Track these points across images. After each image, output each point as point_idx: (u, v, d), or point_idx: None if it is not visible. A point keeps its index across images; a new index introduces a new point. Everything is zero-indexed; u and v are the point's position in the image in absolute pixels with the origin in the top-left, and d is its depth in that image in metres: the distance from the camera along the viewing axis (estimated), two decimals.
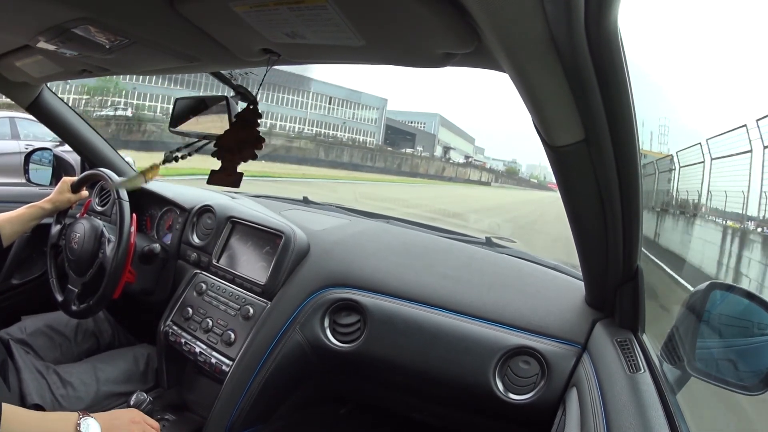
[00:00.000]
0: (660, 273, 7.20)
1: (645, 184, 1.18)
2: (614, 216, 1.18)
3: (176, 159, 1.55)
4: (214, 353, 1.94)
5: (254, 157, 1.33)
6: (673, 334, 1.33)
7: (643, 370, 1.20)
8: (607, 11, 0.73)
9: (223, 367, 1.89)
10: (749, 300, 1.20)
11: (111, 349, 2.23)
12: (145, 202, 2.53)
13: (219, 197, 2.46)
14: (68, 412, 1.43)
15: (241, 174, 1.36)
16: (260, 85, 1.37)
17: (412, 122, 71.20)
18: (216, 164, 1.36)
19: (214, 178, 1.38)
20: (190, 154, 1.53)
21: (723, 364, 1.22)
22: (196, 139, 1.58)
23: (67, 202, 2.14)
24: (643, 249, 1.33)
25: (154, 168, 1.64)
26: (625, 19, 0.77)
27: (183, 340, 2.03)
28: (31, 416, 1.36)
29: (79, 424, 1.39)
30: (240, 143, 1.33)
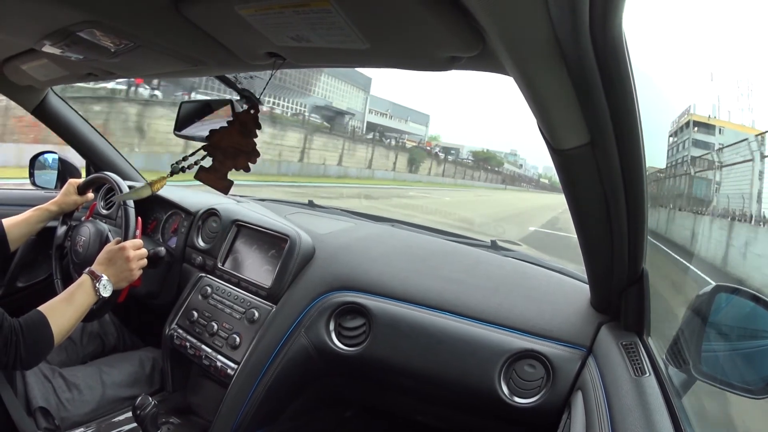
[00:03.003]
0: None
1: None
2: (619, 219, 1.18)
3: (183, 170, 1.57)
4: (219, 357, 1.95)
5: (247, 169, 1.32)
6: (678, 338, 1.32)
7: (648, 374, 1.19)
8: (612, 15, 0.73)
9: (228, 371, 1.89)
10: (755, 303, 1.19)
11: (116, 351, 2.24)
12: (151, 205, 2.54)
13: (224, 201, 2.46)
14: (81, 280, 1.66)
15: (231, 182, 1.36)
16: (263, 91, 1.37)
17: None
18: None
19: (203, 176, 1.38)
20: (196, 163, 1.54)
21: (728, 367, 1.21)
22: (199, 147, 1.59)
23: (73, 204, 2.14)
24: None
25: (161, 179, 1.67)
26: (630, 22, 0.77)
27: (188, 344, 2.04)
28: (60, 303, 1.59)
29: (97, 288, 1.66)
30: (235, 149, 1.33)
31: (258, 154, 1.31)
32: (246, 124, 1.32)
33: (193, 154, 1.56)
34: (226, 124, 1.39)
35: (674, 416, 1.04)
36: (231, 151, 1.33)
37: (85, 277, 1.66)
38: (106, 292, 1.67)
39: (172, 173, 1.60)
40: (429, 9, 0.79)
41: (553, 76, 0.85)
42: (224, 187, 1.37)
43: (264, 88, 1.37)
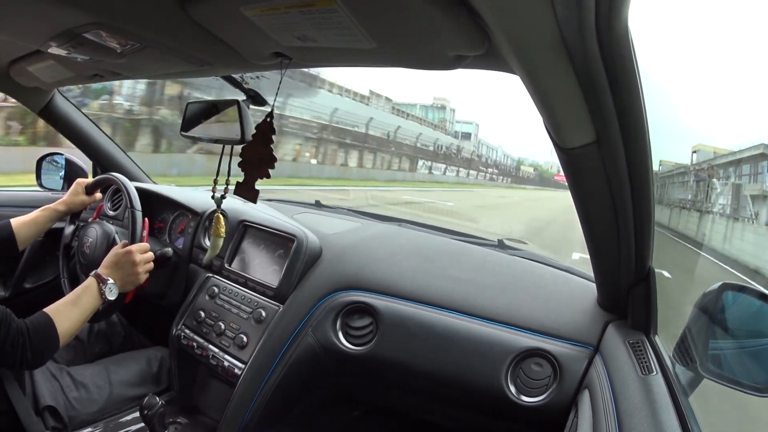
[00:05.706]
0: None
1: None
2: (626, 217, 1.18)
3: (223, 197, 1.70)
4: (226, 356, 1.95)
5: (269, 176, 1.35)
6: (685, 336, 1.32)
7: (655, 372, 1.19)
8: (618, 12, 0.73)
9: (236, 371, 1.90)
10: (762, 301, 1.19)
11: (123, 351, 2.24)
12: (158, 206, 2.54)
13: (231, 201, 2.47)
14: (87, 283, 1.68)
15: (258, 191, 1.39)
16: (277, 92, 1.38)
17: None
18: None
19: (239, 190, 1.41)
20: (228, 183, 1.59)
21: (736, 365, 1.21)
22: (217, 172, 1.62)
23: (81, 204, 2.15)
24: None
25: (218, 221, 1.72)
26: (636, 20, 0.77)
27: (195, 344, 2.04)
28: (66, 305, 1.61)
29: (103, 292, 1.68)
30: (259, 159, 1.35)
31: (275, 160, 1.33)
32: (266, 133, 1.34)
33: (216, 179, 1.61)
34: (239, 130, 1.43)
35: (681, 415, 1.04)
36: (256, 161, 1.35)
37: (91, 280, 1.67)
38: (111, 296, 1.68)
39: (218, 206, 1.71)
40: (435, 8, 0.79)
41: (558, 75, 0.85)
42: (254, 196, 1.42)
43: (277, 92, 1.38)
